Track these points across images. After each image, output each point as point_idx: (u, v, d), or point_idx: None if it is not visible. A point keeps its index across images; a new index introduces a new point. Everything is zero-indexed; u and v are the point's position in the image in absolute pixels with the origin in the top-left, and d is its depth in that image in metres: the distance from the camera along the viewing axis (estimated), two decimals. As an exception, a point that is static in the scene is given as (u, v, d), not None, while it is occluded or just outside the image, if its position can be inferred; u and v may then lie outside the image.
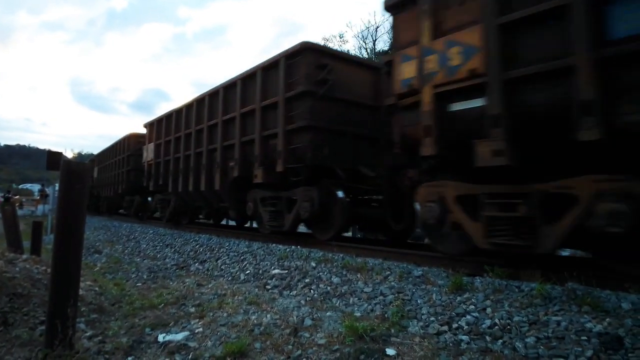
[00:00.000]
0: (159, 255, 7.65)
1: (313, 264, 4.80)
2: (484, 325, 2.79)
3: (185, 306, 4.09)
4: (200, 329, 3.35)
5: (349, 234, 11.57)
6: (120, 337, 3.30)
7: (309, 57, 6.17)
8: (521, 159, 3.66)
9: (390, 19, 4.94)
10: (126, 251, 8.73)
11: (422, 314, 3.15)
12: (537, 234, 3.56)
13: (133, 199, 14.85)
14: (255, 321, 3.34)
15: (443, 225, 4.32)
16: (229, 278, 5.31)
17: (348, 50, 20.74)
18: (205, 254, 6.73)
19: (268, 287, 4.57)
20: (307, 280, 4.41)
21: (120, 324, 3.62)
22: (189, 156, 9.63)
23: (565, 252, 5.81)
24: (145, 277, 5.91)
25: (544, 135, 3.56)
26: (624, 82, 3.08)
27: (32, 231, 6.72)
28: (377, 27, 19.43)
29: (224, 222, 12.34)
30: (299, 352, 2.75)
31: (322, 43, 8.77)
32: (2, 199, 22.23)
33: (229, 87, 8.17)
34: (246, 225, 11.03)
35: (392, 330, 2.93)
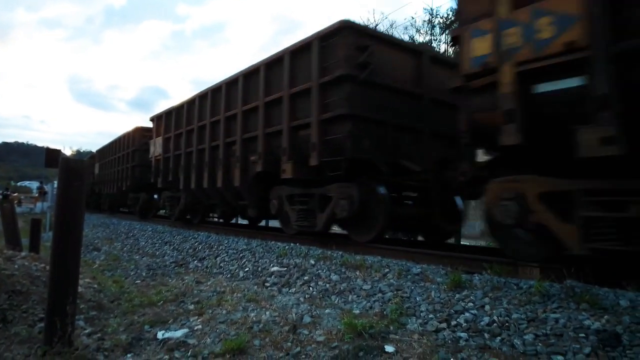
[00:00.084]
0: (157, 253, 7.65)
1: (312, 262, 4.80)
2: (482, 323, 2.80)
3: (184, 303, 4.10)
4: (200, 326, 3.35)
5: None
6: (119, 334, 3.30)
7: (348, 37, 5.43)
8: (633, 148, 3.06)
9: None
10: (125, 249, 8.73)
11: (421, 311, 3.15)
12: None
13: (138, 197, 14.19)
14: (254, 318, 3.34)
15: (522, 226, 3.81)
16: (228, 275, 5.32)
17: None
18: (204, 252, 6.73)
19: (267, 284, 4.58)
20: (306, 278, 4.41)
21: (120, 321, 3.63)
22: (202, 150, 9.00)
23: None
24: (144, 274, 5.92)
25: None
26: None
27: (31, 228, 6.72)
28: (376, 25, 19.38)
29: (231, 221, 11.92)
30: (298, 349, 2.76)
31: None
32: (0, 197, 22.19)
33: (249, 75, 7.47)
34: (260, 225, 10.63)
35: (391, 328, 2.93)
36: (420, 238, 7.34)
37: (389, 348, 2.62)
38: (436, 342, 2.70)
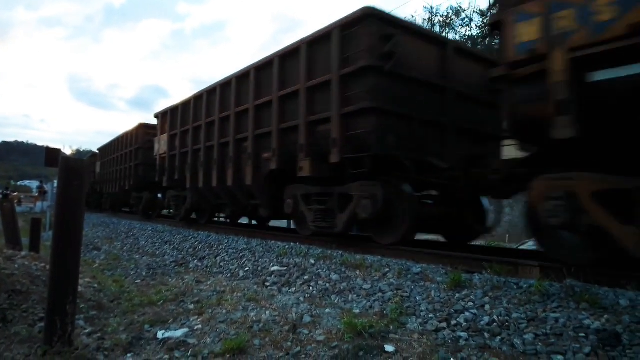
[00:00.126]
0: (157, 252, 7.65)
1: (312, 261, 4.80)
2: (482, 322, 2.80)
3: (184, 303, 4.10)
4: (200, 326, 3.35)
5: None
6: (119, 333, 3.30)
7: (372, 25, 5.07)
8: None
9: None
10: (125, 248, 8.74)
11: (421, 311, 3.16)
12: None
13: (141, 196, 13.72)
14: (254, 318, 3.34)
15: (570, 228, 3.52)
16: (228, 275, 5.32)
17: None
18: (204, 251, 6.73)
19: (267, 284, 4.58)
20: (306, 277, 4.41)
21: (120, 320, 3.63)
22: (211, 147, 8.61)
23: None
24: (144, 274, 5.92)
25: None
26: None
27: (31, 228, 6.72)
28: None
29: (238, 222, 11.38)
30: (298, 348, 2.76)
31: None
32: (0, 196, 22.20)
33: (262, 68, 7.09)
34: (269, 225, 10.33)
35: (391, 327, 2.93)
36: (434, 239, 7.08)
37: (389, 348, 2.62)
38: (436, 341, 2.71)
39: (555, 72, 3.36)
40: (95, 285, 4.72)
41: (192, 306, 3.96)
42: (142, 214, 13.69)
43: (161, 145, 11.27)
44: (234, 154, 7.75)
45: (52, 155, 11.68)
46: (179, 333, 3.23)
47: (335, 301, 3.76)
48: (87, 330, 3.32)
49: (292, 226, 9.40)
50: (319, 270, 4.47)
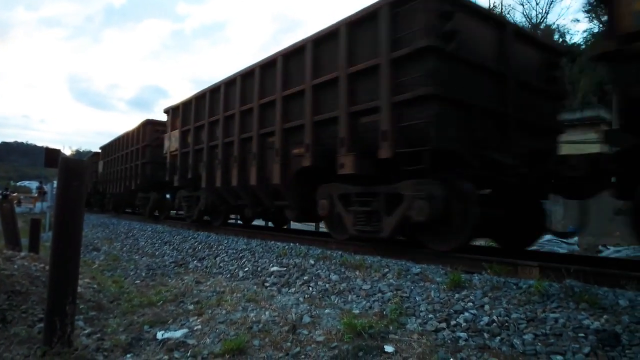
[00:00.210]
0: (157, 253, 7.65)
1: (312, 261, 4.80)
2: (482, 322, 2.80)
3: (183, 303, 4.10)
4: (199, 327, 3.35)
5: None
6: (118, 334, 3.30)
7: (429, 1, 4.53)
8: None
9: None
10: (124, 249, 8.73)
11: (421, 311, 3.16)
12: None
13: (148, 196, 13.09)
14: (253, 318, 3.34)
15: None
16: (228, 275, 5.32)
17: None
18: (204, 252, 6.73)
19: (267, 284, 4.58)
20: (305, 278, 4.41)
21: (119, 321, 3.63)
22: (230, 144, 7.98)
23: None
24: (143, 274, 5.92)
25: None
26: None
27: (30, 228, 6.72)
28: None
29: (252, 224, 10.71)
30: (298, 349, 2.76)
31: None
32: (0, 197, 22.18)
33: (291, 55, 6.51)
34: (285, 227, 9.89)
35: (391, 328, 2.93)
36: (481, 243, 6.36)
37: (389, 348, 2.62)
38: (436, 342, 2.71)
39: None
40: (95, 286, 4.72)
41: (191, 307, 3.96)
42: (149, 215, 13.13)
43: (172, 142, 10.64)
44: (258, 151, 7.13)
45: (51, 155, 11.66)
46: (178, 333, 3.23)
47: (335, 301, 3.76)
48: (86, 331, 3.32)
49: (321, 229, 8.96)
50: (319, 271, 4.47)
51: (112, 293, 4.57)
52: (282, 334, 3.02)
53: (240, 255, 5.91)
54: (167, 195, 12.32)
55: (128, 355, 2.95)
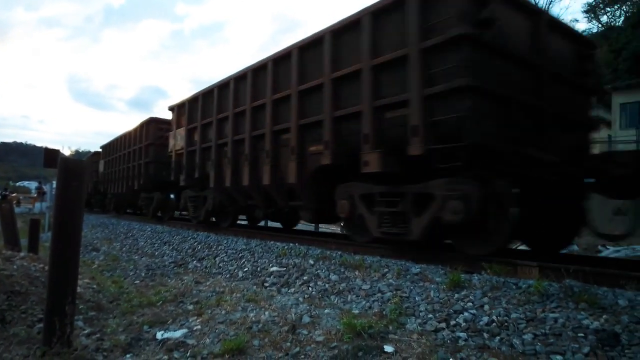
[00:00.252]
0: (156, 253, 7.64)
1: (311, 262, 4.80)
2: (481, 322, 2.80)
3: (183, 304, 4.10)
4: (199, 327, 3.35)
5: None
6: (118, 334, 3.30)
7: None
8: None
9: None
10: (124, 249, 8.72)
11: (420, 311, 3.16)
12: None
13: (151, 196, 12.66)
14: (253, 318, 3.34)
15: None
16: (227, 275, 5.31)
17: None
18: (203, 252, 6.72)
19: (266, 284, 4.58)
20: (305, 278, 4.41)
21: (119, 321, 3.63)
22: (241, 141, 7.64)
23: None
24: (143, 274, 5.92)
25: None
26: None
27: (30, 229, 6.71)
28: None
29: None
30: (297, 349, 2.76)
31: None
32: (-1, 197, 22.16)
33: (307, 48, 6.19)
34: (295, 228, 9.59)
35: (390, 328, 2.94)
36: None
37: (388, 348, 2.62)
38: (435, 341, 2.71)
39: None
40: (94, 286, 4.71)
41: (191, 307, 3.96)
42: (153, 215, 12.73)
43: (177, 140, 10.27)
44: (272, 148, 6.82)
45: (50, 155, 11.66)
46: (178, 334, 3.23)
47: (335, 301, 3.76)
48: (86, 331, 3.32)
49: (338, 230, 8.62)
50: (318, 271, 4.47)
51: (112, 293, 4.56)
52: (281, 334, 3.02)
53: (240, 255, 5.91)
54: (171, 196, 12.03)
55: (127, 356, 2.95)
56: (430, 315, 3.06)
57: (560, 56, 5.23)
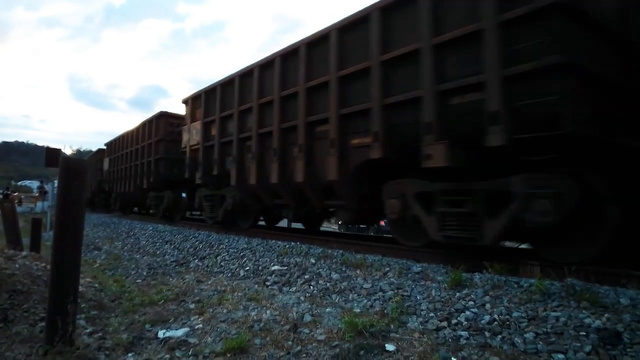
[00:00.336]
0: (158, 252, 7.66)
1: (312, 260, 4.81)
2: (483, 321, 2.80)
3: (185, 302, 4.10)
4: (200, 325, 3.36)
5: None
6: (120, 333, 3.31)
7: None
8: None
9: None
10: (125, 248, 8.74)
11: (422, 310, 3.16)
12: None
13: (161, 195, 11.94)
14: (255, 317, 3.35)
15: None
16: (229, 274, 5.32)
17: None
18: (205, 251, 6.73)
19: (268, 283, 4.58)
20: (306, 277, 4.42)
21: (121, 320, 3.63)
22: (267, 135, 6.91)
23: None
24: (144, 273, 5.92)
25: None
26: None
27: (32, 228, 6.73)
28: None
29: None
30: (299, 348, 2.76)
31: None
32: (1, 196, 22.22)
33: (349, 28, 5.49)
34: (321, 229, 8.97)
35: (392, 326, 2.94)
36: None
37: (390, 347, 2.63)
38: (437, 340, 2.71)
39: None
40: (96, 285, 4.72)
41: (192, 305, 3.97)
42: (163, 215, 12.02)
43: (192, 135, 9.50)
44: (306, 142, 6.14)
45: (52, 155, 11.68)
46: (179, 332, 3.23)
47: (336, 300, 3.76)
48: (88, 330, 3.33)
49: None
50: (320, 270, 4.47)
51: (114, 292, 4.57)
52: (283, 332, 3.02)
53: (241, 254, 5.92)
54: (184, 195, 11.29)
55: (130, 354, 2.95)
56: (431, 314, 3.07)
57: None
